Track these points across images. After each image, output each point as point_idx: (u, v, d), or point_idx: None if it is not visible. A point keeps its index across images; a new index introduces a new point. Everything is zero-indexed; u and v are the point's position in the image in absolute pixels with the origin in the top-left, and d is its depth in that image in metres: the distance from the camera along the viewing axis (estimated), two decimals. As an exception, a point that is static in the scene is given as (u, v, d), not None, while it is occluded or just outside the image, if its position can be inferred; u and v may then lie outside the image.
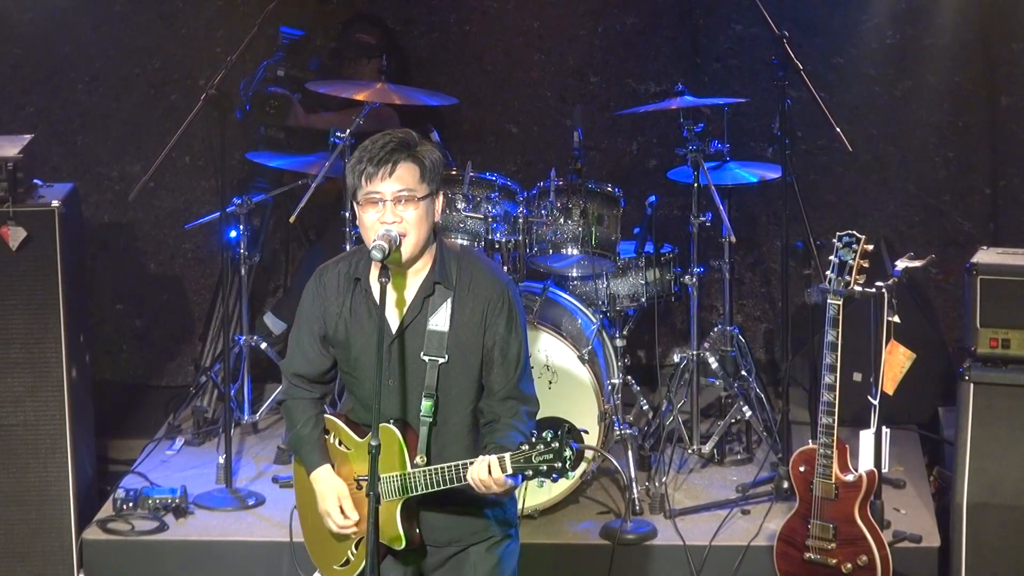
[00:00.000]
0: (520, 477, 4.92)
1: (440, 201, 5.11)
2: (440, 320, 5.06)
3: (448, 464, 4.97)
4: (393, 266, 5.03)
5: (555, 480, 4.88)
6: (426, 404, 5.05)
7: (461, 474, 4.96)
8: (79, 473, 7.15)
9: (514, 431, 5.05)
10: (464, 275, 5.10)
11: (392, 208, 5.00)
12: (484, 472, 4.90)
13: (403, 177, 5.00)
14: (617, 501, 7.39)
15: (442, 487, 4.98)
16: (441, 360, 5.05)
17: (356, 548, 5.16)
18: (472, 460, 4.95)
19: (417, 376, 5.08)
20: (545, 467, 4.86)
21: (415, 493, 5.02)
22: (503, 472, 4.89)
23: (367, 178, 4.99)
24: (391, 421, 5.08)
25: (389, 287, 5.04)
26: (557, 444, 4.85)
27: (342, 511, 5.12)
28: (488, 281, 5.11)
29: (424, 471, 4.99)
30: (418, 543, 5.11)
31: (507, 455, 4.89)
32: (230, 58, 7.46)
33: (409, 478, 5.02)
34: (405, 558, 5.17)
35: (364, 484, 5.03)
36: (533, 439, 4.87)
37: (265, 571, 7.10)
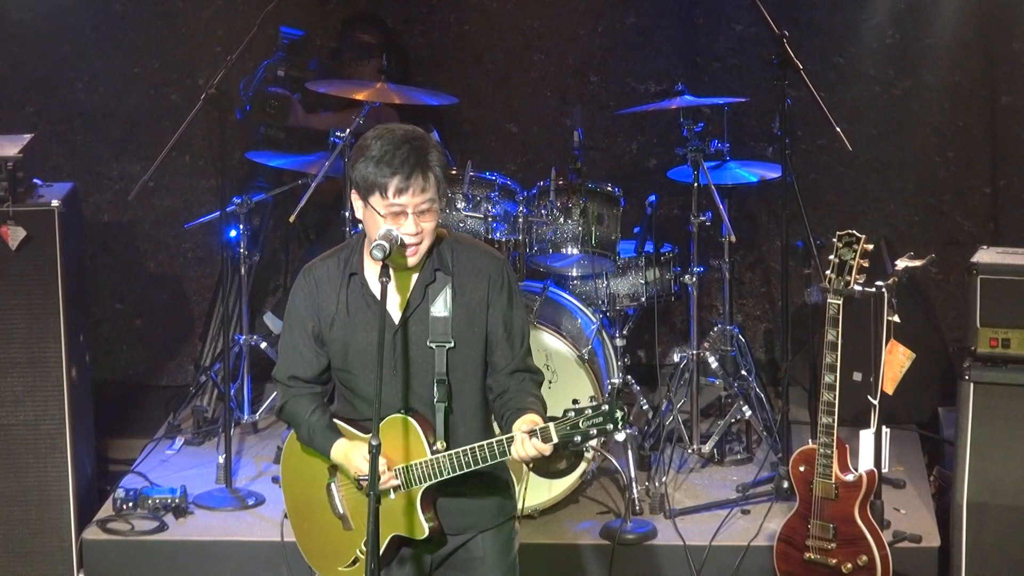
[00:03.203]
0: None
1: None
2: (442, 306, 5.07)
3: (476, 445, 4.98)
4: (396, 267, 5.03)
5: (603, 443, 4.89)
6: (439, 390, 5.06)
7: (493, 452, 4.95)
8: (79, 473, 7.15)
9: (530, 396, 5.08)
10: (459, 257, 5.11)
11: (415, 220, 5.00)
12: (529, 448, 4.90)
13: (427, 190, 5.00)
14: (617, 501, 7.39)
15: (471, 468, 4.98)
16: (448, 345, 5.07)
17: (365, 546, 5.14)
18: (505, 437, 4.95)
19: (423, 364, 5.08)
20: (595, 430, 4.87)
21: (434, 480, 5.02)
22: (549, 442, 4.90)
23: (396, 192, 4.96)
24: (401, 411, 5.08)
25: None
26: (607, 407, 4.87)
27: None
28: (485, 260, 5.13)
29: (450, 455, 4.99)
30: (439, 531, 5.11)
31: (551, 425, 4.90)
32: (230, 58, 7.46)
33: (429, 465, 5.02)
34: (420, 549, 5.16)
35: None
36: (577, 406, 4.89)
37: (265, 571, 7.10)
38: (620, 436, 4.92)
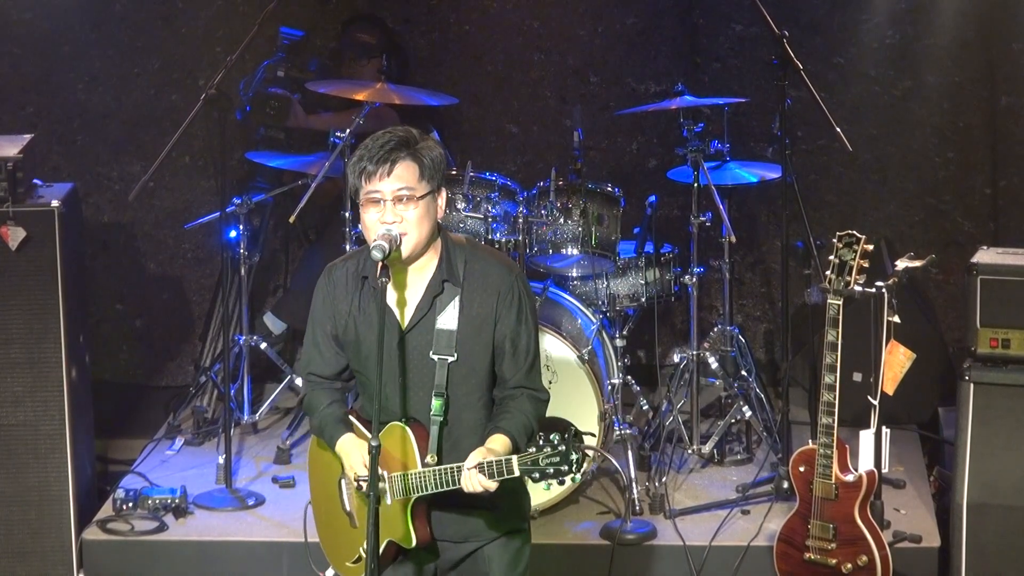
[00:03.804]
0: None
1: (442, 198, 5.10)
2: (448, 318, 5.05)
3: (455, 465, 4.97)
4: (395, 264, 5.03)
5: (561, 483, 4.88)
6: (436, 403, 5.05)
7: (449, 479, 4.96)
8: (79, 473, 7.15)
9: (516, 415, 5.05)
10: (471, 269, 5.09)
11: (392, 207, 4.99)
12: (475, 483, 4.91)
13: (402, 176, 4.99)
14: (617, 501, 7.39)
15: (443, 489, 4.97)
16: (451, 359, 5.05)
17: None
18: (456, 466, 4.94)
19: (426, 374, 5.07)
20: (552, 469, 4.85)
21: (424, 493, 5.01)
22: (510, 474, 4.88)
23: (367, 177, 4.99)
24: (402, 419, 5.08)
25: (397, 284, 5.05)
26: (564, 447, 4.84)
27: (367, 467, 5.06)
28: (497, 274, 5.10)
29: (433, 471, 4.99)
30: (427, 542, 5.10)
31: (514, 457, 4.88)
32: (230, 58, 7.46)
33: (419, 477, 5.01)
34: (419, 557, 5.16)
35: (364, 484, 5.02)
36: (540, 441, 4.87)
37: (265, 571, 7.10)
38: (577, 477, 4.90)
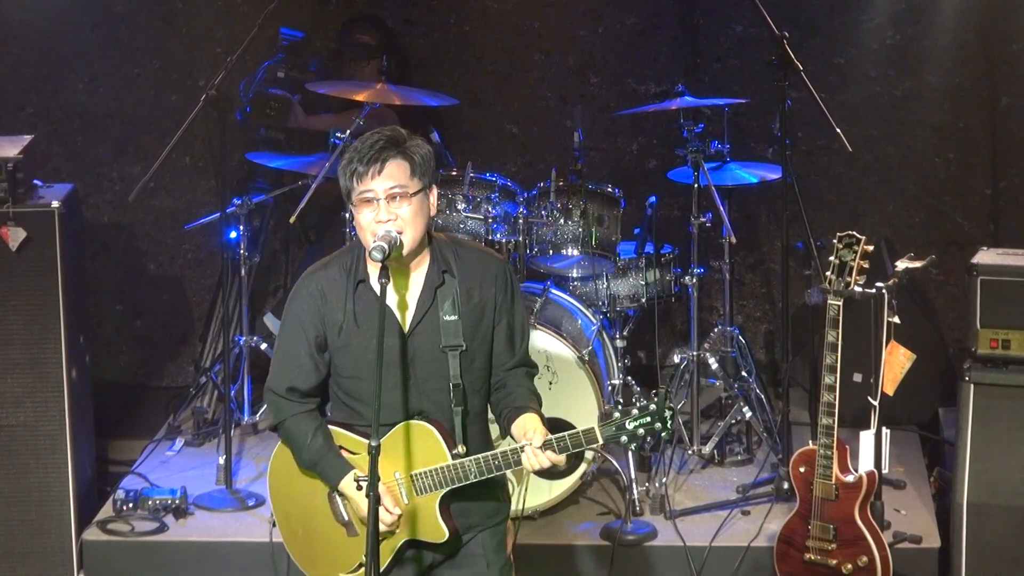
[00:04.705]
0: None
1: (434, 195, 5.11)
2: (450, 309, 5.09)
3: (507, 448, 5.00)
4: (393, 263, 5.03)
5: (652, 441, 4.95)
6: (455, 394, 5.08)
7: (508, 461, 5.00)
8: (79, 474, 7.15)
9: (527, 392, 5.14)
10: (462, 261, 5.14)
11: (386, 206, 5.00)
12: (543, 460, 4.96)
13: (393, 174, 5.01)
14: (617, 502, 7.39)
15: (494, 474, 5.02)
16: (461, 349, 5.09)
17: None
18: (514, 447, 4.99)
19: (437, 368, 5.09)
20: (643, 430, 4.95)
21: (467, 481, 5.04)
22: (590, 444, 4.96)
23: (358, 178, 5.01)
24: (416, 416, 5.08)
25: (394, 286, 5.05)
26: (655, 406, 4.93)
27: (386, 509, 5.06)
28: (486, 262, 5.17)
29: (476, 460, 5.01)
30: (456, 534, 5.13)
31: (596, 426, 4.95)
32: (230, 59, 7.46)
33: (453, 470, 5.03)
34: (418, 553, 5.15)
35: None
36: (622, 406, 4.95)
37: (265, 572, 7.10)
38: (666, 435, 4.96)
